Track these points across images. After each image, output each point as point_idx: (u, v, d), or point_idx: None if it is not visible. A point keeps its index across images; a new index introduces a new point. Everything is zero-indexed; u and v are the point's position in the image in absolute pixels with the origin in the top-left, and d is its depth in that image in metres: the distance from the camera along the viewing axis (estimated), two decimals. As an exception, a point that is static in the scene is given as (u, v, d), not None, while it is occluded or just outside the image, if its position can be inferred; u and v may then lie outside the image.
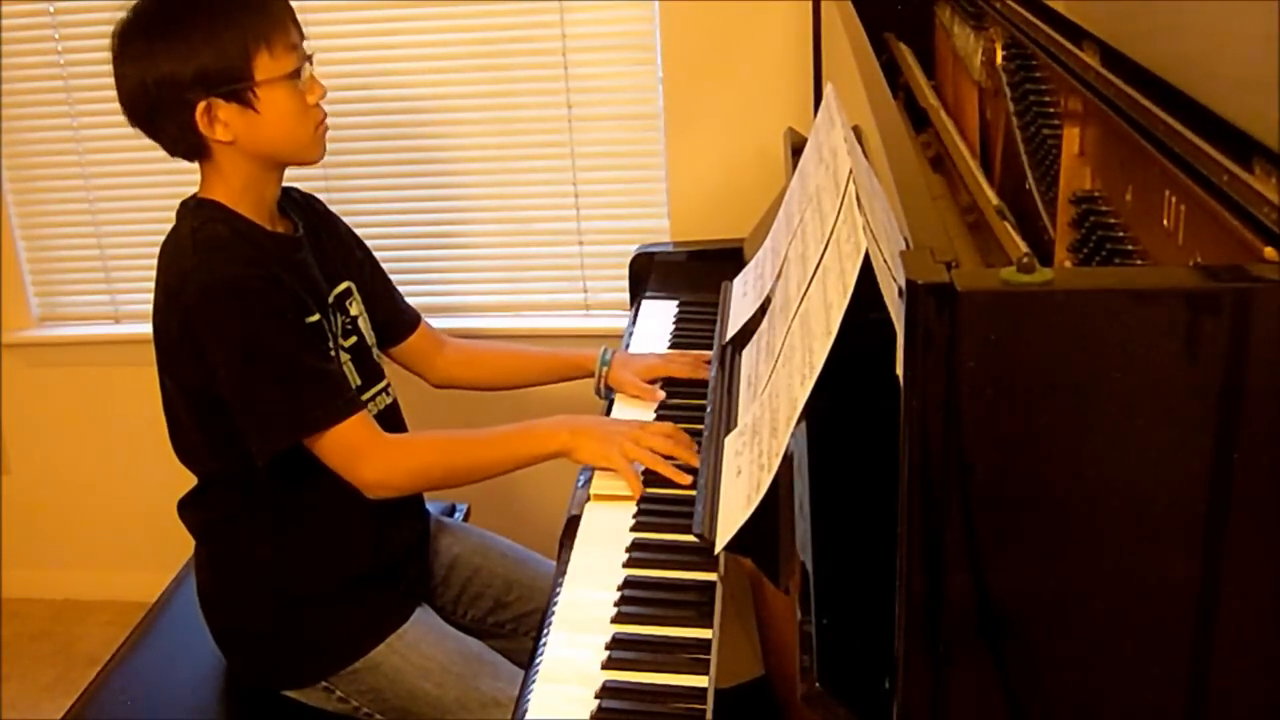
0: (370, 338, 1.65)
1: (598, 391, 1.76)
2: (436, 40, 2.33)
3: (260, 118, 1.45)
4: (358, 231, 1.75)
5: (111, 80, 2.53)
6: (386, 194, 2.44)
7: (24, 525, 2.75)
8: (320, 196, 1.72)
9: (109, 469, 2.68)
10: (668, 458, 1.45)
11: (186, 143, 1.48)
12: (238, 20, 1.43)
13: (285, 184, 1.58)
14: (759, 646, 1.07)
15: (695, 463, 1.43)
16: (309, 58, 1.50)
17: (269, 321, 1.43)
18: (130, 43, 1.45)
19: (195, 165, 1.52)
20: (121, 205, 2.53)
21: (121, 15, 1.47)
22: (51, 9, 2.41)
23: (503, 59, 2.32)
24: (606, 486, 1.46)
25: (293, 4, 1.51)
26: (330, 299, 1.57)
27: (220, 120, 1.44)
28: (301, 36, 1.51)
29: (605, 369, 1.74)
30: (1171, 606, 0.64)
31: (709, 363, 1.65)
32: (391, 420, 1.64)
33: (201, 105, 1.43)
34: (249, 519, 1.55)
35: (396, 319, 1.76)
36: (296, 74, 1.47)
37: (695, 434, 1.49)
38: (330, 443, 1.45)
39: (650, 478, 1.46)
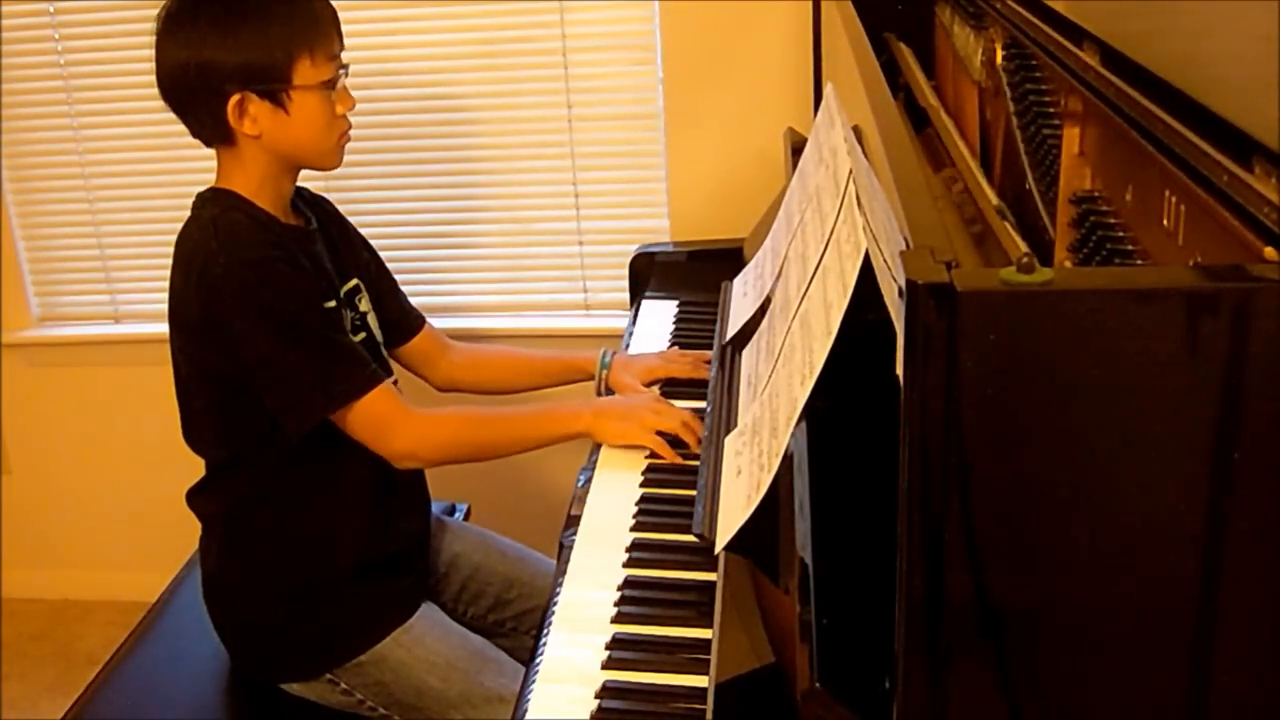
0: (379, 335, 1.67)
1: (598, 394, 1.76)
2: (436, 40, 2.33)
3: (290, 120, 1.48)
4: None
5: (112, 80, 2.53)
6: (386, 193, 2.44)
7: (24, 525, 2.75)
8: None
9: (109, 469, 2.68)
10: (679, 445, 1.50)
11: (213, 129, 1.49)
12: (288, 23, 1.46)
13: (297, 184, 1.60)
14: (759, 638, 1.07)
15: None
16: (345, 68, 1.53)
17: (294, 300, 1.45)
18: (179, 24, 1.46)
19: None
20: (121, 205, 2.52)
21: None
22: (51, 9, 2.41)
23: (503, 59, 2.32)
24: (614, 460, 1.51)
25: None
26: (341, 294, 1.59)
27: (250, 115, 1.47)
28: (342, 46, 1.53)
29: (605, 372, 1.74)
30: (1171, 606, 0.64)
31: (709, 363, 1.65)
32: None
33: (235, 98, 1.45)
34: (258, 507, 1.56)
35: (401, 320, 1.77)
36: (332, 84, 1.50)
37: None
38: (359, 414, 1.47)
39: (651, 477, 1.47)
